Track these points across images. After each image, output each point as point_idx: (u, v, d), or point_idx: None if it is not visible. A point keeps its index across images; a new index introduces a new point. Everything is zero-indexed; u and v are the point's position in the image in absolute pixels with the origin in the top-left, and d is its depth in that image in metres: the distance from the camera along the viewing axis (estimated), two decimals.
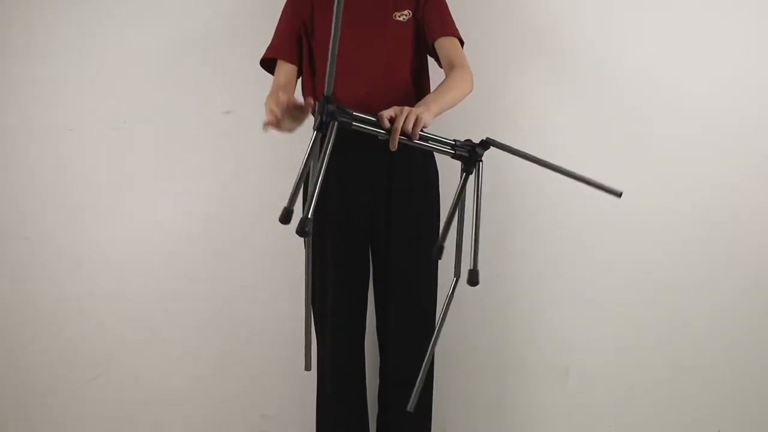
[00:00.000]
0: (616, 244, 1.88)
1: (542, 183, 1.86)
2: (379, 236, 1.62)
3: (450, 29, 1.57)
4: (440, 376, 1.72)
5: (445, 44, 1.55)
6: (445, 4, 1.62)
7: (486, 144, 1.22)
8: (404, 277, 1.61)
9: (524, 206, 1.87)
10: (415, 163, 1.60)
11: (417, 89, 1.62)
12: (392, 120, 1.18)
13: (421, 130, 1.20)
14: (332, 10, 1.56)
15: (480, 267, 1.60)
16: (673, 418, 1.89)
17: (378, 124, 1.17)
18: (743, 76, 1.83)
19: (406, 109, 1.20)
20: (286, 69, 1.60)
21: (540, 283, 1.91)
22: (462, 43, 1.59)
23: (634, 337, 1.89)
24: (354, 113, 1.11)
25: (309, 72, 1.63)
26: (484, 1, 1.89)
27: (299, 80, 1.67)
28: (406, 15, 1.57)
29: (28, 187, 1.99)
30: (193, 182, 1.97)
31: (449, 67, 1.51)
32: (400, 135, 1.17)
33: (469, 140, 1.25)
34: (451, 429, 1.94)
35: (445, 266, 1.75)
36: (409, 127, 1.18)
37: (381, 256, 1.64)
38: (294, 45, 1.61)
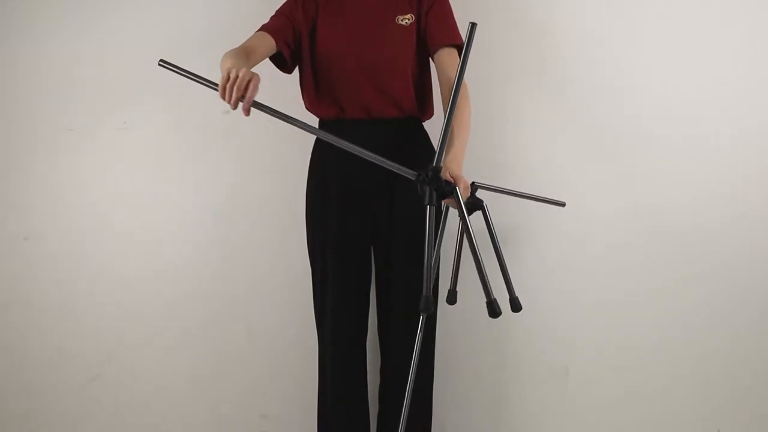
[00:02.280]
0: (615, 245, 1.88)
1: (541, 183, 1.86)
2: (380, 238, 1.62)
3: (451, 37, 1.55)
4: (440, 376, 1.72)
5: (445, 60, 1.52)
6: (449, 9, 1.60)
7: (475, 187, 1.35)
8: (405, 278, 1.61)
9: (523, 206, 1.86)
10: (416, 166, 1.60)
11: (419, 92, 1.62)
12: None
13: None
14: (336, 14, 1.57)
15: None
16: (673, 418, 1.89)
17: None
18: (742, 78, 1.83)
19: (463, 180, 1.26)
20: (266, 40, 1.50)
21: (540, 283, 1.90)
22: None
23: (634, 337, 1.89)
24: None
25: (310, 72, 1.62)
26: (485, 8, 1.89)
27: (300, 79, 1.66)
28: (408, 19, 1.57)
29: (27, 187, 1.99)
30: (192, 182, 1.97)
31: (448, 84, 1.48)
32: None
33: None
34: (451, 429, 1.94)
35: (447, 265, 1.75)
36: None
37: (382, 257, 1.64)
38: (286, 30, 1.55)
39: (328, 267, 1.62)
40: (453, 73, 1.45)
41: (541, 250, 1.90)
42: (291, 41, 1.56)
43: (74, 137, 1.98)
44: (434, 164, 1.11)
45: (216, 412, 1.99)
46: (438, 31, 1.55)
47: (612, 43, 1.86)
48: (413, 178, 1.15)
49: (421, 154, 1.61)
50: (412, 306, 1.63)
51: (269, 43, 1.51)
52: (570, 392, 1.91)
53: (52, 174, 1.99)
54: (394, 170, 1.19)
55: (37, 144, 1.98)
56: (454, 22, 1.59)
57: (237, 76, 1.21)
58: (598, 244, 1.89)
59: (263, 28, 1.56)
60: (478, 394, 1.94)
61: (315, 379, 1.70)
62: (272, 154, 1.95)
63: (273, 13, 1.62)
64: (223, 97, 1.24)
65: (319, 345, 1.68)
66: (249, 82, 1.22)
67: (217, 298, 1.98)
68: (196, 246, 1.97)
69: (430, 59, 1.62)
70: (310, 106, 1.65)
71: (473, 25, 1.02)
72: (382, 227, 1.60)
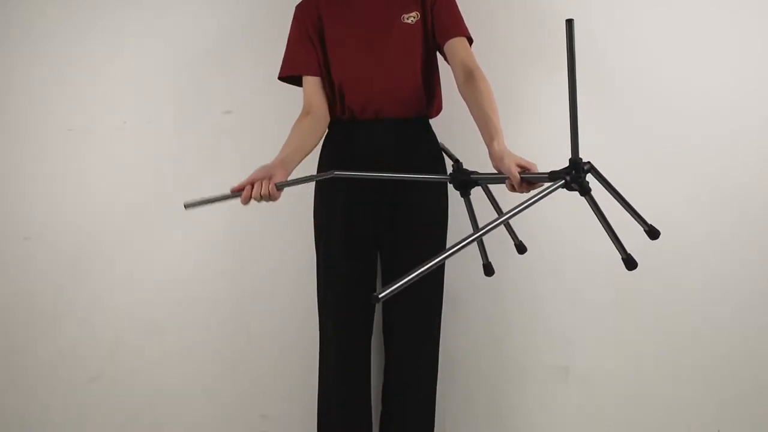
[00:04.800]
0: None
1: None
2: (385, 239, 1.62)
3: (460, 29, 1.56)
4: (441, 376, 1.72)
5: (457, 46, 1.53)
6: (455, 2, 1.61)
7: (587, 170, 1.17)
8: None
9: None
10: (424, 165, 1.60)
11: (427, 89, 1.62)
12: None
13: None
14: (341, 17, 1.57)
15: (479, 267, 1.60)
16: (673, 418, 1.89)
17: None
18: (750, 76, 1.83)
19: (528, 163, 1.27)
20: (312, 82, 1.60)
21: (540, 283, 1.91)
22: (471, 41, 1.57)
23: (634, 337, 1.89)
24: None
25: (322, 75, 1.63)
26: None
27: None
28: (413, 17, 1.57)
29: (28, 187, 1.99)
30: (192, 183, 1.97)
31: (464, 70, 1.48)
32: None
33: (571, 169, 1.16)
34: (451, 429, 1.95)
35: (451, 266, 1.75)
36: None
37: (388, 258, 1.64)
38: (311, 56, 1.60)
39: (331, 266, 1.62)
40: (467, 56, 1.49)
41: (542, 250, 1.90)
42: (315, 61, 1.60)
43: (74, 137, 1.98)
44: (574, 156, 1.07)
45: (216, 412, 1.99)
46: (447, 25, 1.55)
47: (619, 41, 1.87)
48: (561, 184, 1.11)
49: (428, 152, 1.62)
50: (416, 307, 1.63)
51: (315, 81, 1.60)
52: (570, 392, 1.91)
53: (52, 174, 1.99)
54: (539, 181, 1.17)
55: (36, 144, 1.98)
56: (461, 15, 1.59)
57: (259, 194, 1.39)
58: (599, 244, 1.88)
59: (288, 68, 1.61)
60: (478, 394, 1.94)
61: (315, 379, 1.70)
62: (273, 155, 1.95)
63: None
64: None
65: (320, 340, 1.68)
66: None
67: (217, 298, 1.98)
68: (195, 246, 1.97)
69: (437, 54, 1.62)
70: None
71: (570, 22, 1.02)
72: (387, 229, 1.60)
